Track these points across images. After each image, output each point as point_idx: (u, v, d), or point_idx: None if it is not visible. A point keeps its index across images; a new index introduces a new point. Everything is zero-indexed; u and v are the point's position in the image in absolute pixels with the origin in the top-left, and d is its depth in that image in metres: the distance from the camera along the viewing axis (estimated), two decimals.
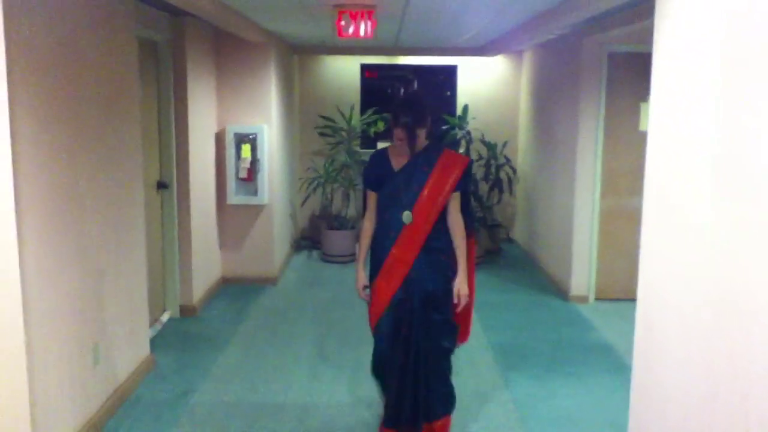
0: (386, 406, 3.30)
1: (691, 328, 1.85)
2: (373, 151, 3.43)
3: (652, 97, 2.21)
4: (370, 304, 3.30)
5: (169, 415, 3.71)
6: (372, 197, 3.33)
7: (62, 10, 3.13)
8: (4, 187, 1.96)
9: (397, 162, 3.24)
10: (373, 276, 3.29)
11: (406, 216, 3.14)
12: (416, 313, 3.19)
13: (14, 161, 2.52)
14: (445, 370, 3.34)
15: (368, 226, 3.35)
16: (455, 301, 3.20)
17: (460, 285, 3.20)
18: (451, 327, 3.28)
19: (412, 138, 3.11)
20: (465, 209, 3.30)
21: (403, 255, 3.16)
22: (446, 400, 3.34)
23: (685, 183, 1.94)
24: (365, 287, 3.33)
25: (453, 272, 3.24)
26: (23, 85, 2.73)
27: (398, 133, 3.13)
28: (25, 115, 2.75)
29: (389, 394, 3.27)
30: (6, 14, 1.98)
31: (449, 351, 3.33)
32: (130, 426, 3.58)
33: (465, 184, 3.24)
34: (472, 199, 7.50)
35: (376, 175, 3.28)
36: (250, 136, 6.15)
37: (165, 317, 5.26)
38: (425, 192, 3.14)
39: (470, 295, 3.32)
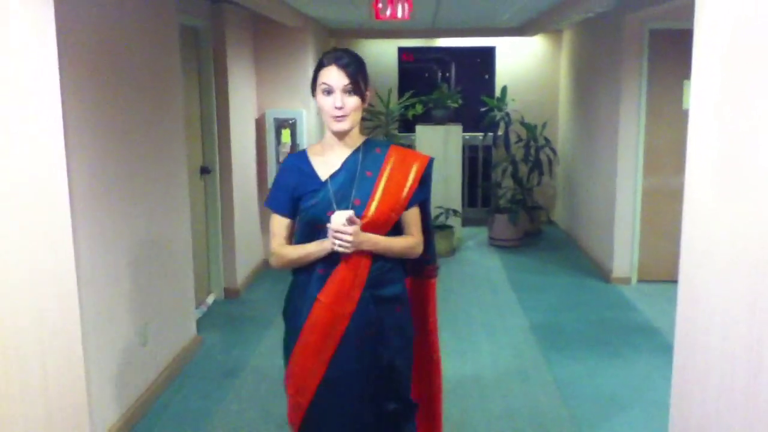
0: None
1: (735, 306, 1.84)
2: (289, 155, 2.33)
3: (693, 75, 2.19)
4: (288, 393, 2.29)
5: (216, 392, 3.82)
6: (281, 224, 2.23)
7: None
8: (59, 173, 2.04)
9: (325, 166, 2.20)
10: (288, 347, 2.25)
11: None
12: (363, 402, 2.23)
13: (66, 148, 2.61)
14: None
15: (285, 251, 2.24)
16: (335, 223, 2.06)
17: (356, 229, 2.07)
18: (411, 413, 2.38)
19: (360, 94, 2.13)
20: (425, 231, 2.30)
21: (338, 305, 2.14)
22: None
23: (728, 160, 1.92)
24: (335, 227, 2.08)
25: (412, 330, 2.32)
26: (72, 73, 2.82)
27: (337, 94, 2.10)
28: (75, 103, 2.84)
29: None
30: (57, 6, 2.05)
31: None
32: (179, 403, 3.69)
33: (425, 193, 2.28)
34: (514, 183, 7.51)
35: (293, 188, 2.20)
36: (290, 121, 6.22)
37: (210, 299, 5.39)
38: (371, 208, 2.14)
39: (435, 363, 2.44)
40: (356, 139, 2.24)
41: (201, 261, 5.18)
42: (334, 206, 2.13)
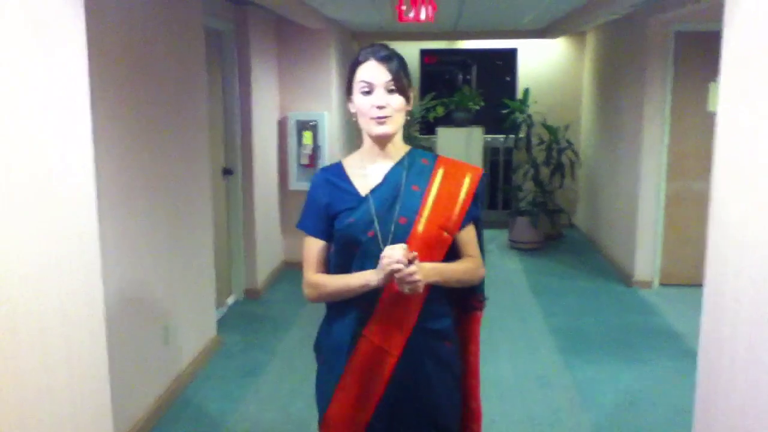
0: None
1: (762, 315, 1.81)
2: (321, 169, 2.01)
3: (722, 76, 2.16)
4: None
5: (236, 392, 3.84)
6: (315, 249, 1.93)
7: (134, 2, 3.25)
8: (87, 175, 2.07)
9: (364, 180, 1.92)
10: (325, 391, 1.96)
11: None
12: None
13: (94, 150, 2.65)
14: None
15: (322, 281, 1.91)
16: (389, 259, 1.72)
17: (419, 264, 1.75)
18: None
19: (404, 94, 1.86)
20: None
21: (385, 340, 1.86)
22: None
23: (759, 165, 1.89)
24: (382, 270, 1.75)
25: (460, 369, 2.02)
26: (100, 77, 2.85)
27: (378, 92, 1.83)
28: (102, 105, 2.88)
29: None
30: (87, 12, 2.09)
31: None
32: (199, 403, 3.72)
33: (479, 209, 1.98)
34: (535, 185, 7.47)
35: (326, 206, 1.91)
36: (311, 123, 6.24)
37: (231, 300, 5.42)
38: (420, 227, 1.85)
39: (473, 413, 2.09)
40: (400, 148, 1.94)
41: (222, 262, 5.22)
42: (376, 225, 1.84)
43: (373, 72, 1.83)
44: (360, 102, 1.85)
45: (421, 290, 1.76)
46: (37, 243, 1.81)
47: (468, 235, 1.94)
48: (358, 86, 1.85)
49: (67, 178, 1.97)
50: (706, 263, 2.30)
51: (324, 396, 1.96)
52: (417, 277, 1.72)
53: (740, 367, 1.95)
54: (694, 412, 2.35)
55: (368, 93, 1.83)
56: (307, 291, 1.94)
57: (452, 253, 1.93)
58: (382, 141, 1.89)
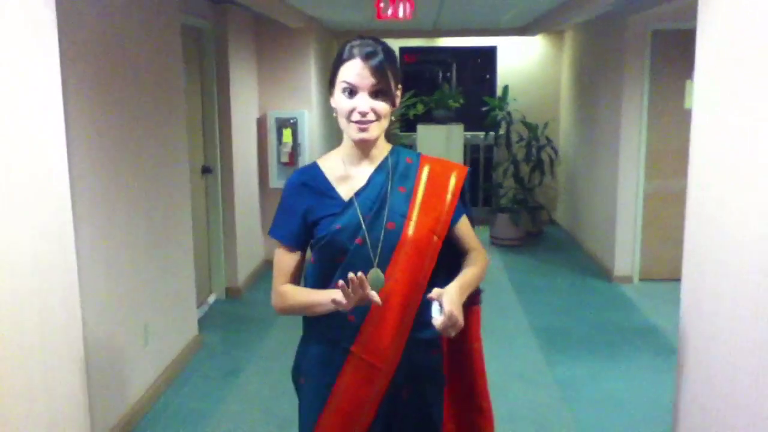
0: None
1: (739, 308, 1.84)
2: (295, 172, 1.84)
3: (696, 74, 2.19)
4: None
5: (218, 392, 3.82)
6: (287, 259, 1.79)
7: None
8: (61, 172, 2.04)
9: (345, 183, 1.78)
10: (308, 417, 1.81)
11: (376, 278, 1.69)
12: None
13: (68, 147, 2.61)
14: None
15: (289, 292, 1.81)
16: (441, 325, 1.57)
17: (451, 303, 1.58)
18: None
19: (389, 98, 1.71)
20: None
21: (377, 354, 1.72)
22: None
23: (732, 161, 1.91)
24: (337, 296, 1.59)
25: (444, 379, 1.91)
26: (74, 73, 2.81)
27: (361, 96, 1.68)
28: (76, 102, 2.84)
29: None
30: (58, 6, 2.05)
31: None
32: (180, 402, 3.69)
33: (468, 208, 1.88)
34: (515, 182, 7.50)
35: (305, 212, 1.76)
36: (291, 121, 6.21)
37: (211, 299, 5.38)
38: (410, 229, 1.73)
39: (484, 414, 1.98)
40: (383, 149, 1.80)
41: (202, 260, 5.18)
42: (364, 230, 1.69)
43: (357, 72, 1.66)
44: (341, 103, 1.69)
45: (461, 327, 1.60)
46: (12, 245, 1.78)
47: (464, 227, 1.82)
48: (339, 85, 1.69)
49: (41, 178, 1.94)
50: (683, 259, 2.32)
51: (309, 422, 1.79)
52: (460, 320, 1.57)
53: (719, 362, 1.97)
54: (675, 409, 2.38)
55: (351, 94, 1.67)
56: (274, 300, 1.83)
57: (447, 257, 1.80)
58: (363, 145, 1.75)
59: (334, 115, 1.74)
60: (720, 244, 1.97)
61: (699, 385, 2.13)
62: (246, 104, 5.84)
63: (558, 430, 3.41)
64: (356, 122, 1.68)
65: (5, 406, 1.69)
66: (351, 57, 1.67)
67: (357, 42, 1.70)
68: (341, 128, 1.75)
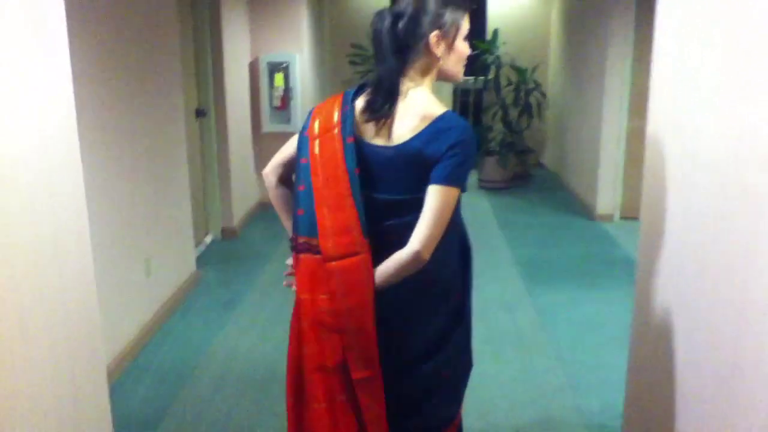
0: None
1: (688, 243, 1.99)
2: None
3: (657, 20, 2.30)
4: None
5: (216, 321, 4.05)
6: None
7: None
8: (70, 118, 2.19)
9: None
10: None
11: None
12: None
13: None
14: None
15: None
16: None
17: None
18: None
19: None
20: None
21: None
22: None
23: (688, 105, 2.03)
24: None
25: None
26: (70, 19, 2.93)
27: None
28: (77, 48, 2.97)
29: None
30: None
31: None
32: (182, 331, 3.93)
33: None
34: (504, 126, 7.57)
35: None
36: (283, 65, 6.31)
37: (208, 239, 5.59)
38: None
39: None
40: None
41: (199, 202, 5.36)
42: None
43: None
44: (466, 50, 1.86)
45: None
46: (31, 174, 1.93)
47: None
48: (464, 33, 1.85)
49: (50, 117, 2.08)
50: (642, 198, 2.45)
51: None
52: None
53: (671, 292, 2.15)
54: (630, 332, 2.55)
55: (465, 41, 1.87)
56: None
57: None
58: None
59: (435, 59, 1.80)
60: (672, 182, 2.12)
61: (651, 311, 2.31)
62: (238, 48, 5.94)
63: (535, 349, 3.66)
64: (463, 66, 1.89)
65: (30, 333, 1.87)
66: (467, 8, 1.86)
67: None
68: (442, 71, 1.84)
